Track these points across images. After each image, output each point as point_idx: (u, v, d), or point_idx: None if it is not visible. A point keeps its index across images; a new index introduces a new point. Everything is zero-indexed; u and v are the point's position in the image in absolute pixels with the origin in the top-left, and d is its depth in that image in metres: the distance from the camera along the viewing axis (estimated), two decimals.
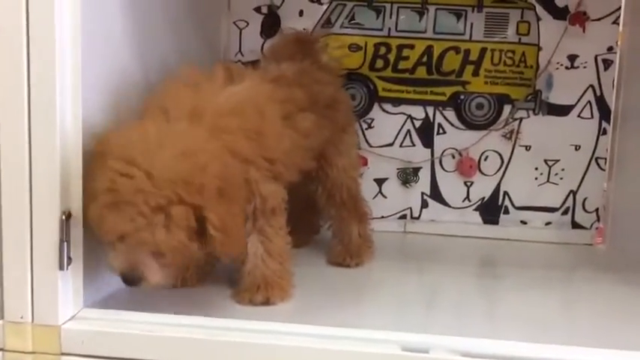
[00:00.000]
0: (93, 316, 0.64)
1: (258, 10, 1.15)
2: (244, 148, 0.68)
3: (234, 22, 1.16)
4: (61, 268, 0.62)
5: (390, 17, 1.13)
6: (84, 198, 0.63)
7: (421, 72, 1.13)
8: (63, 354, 0.62)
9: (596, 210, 1.14)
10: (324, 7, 1.14)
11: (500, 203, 1.15)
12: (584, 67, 1.10)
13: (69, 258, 0.62)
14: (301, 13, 1.14)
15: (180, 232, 0.60)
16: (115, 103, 0.73)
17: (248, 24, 1.15)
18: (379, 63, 1.13)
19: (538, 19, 1.10)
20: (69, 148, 0.62)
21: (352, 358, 0.60)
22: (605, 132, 1.12)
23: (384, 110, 1.15)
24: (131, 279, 0.62)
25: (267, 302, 0.72)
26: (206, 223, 0.61)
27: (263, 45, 1.15)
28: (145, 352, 0.62)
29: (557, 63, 1.11)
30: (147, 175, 0.58)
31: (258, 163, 0.70)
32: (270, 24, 1.15)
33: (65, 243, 0.62)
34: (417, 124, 1.15)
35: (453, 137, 1.15)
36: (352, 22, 1.14)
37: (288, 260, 0.76)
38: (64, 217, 0.61)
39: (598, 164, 1.13)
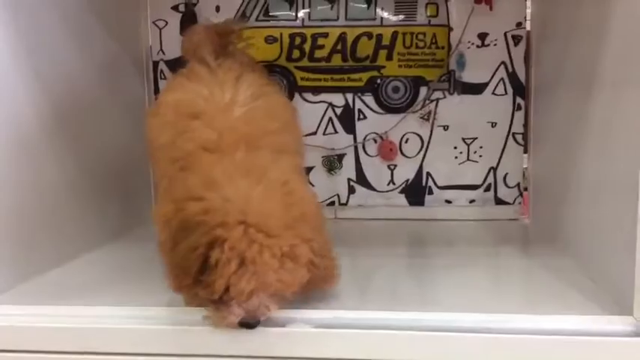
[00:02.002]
0: None
1: (175, 8, 1.17)
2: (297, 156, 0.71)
3: (153, 22, 1.17)
4: None
5: (303, 7, 1.14)
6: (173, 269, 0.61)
7: (337, 59, 1.14)
8: None
9: (518, 185, 1.15)
10: (240, 0, 1.15)
11: (424, 184, 1.17)
12: (495, 45, 1.11)
13: None
14: (218, 8, 1.16)
15: (302, 270, 0.60)
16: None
17: (167, 23, 1.17)
18: (296, 53, 1.15)
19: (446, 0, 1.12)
20: None
21: (214, 340, 0.61)
22: (519, 107, 1.13)
23: (304, 99, 1.16)
24: (255, 324, 0.60)
25: None
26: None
27: None
28: (34, 344, 0.64)
29: (468, 42, 1.11)
30: (263, 229, 0.57)
31: None
32: (188, 21, 1.16)
33: None
34: (338, 111, 1.16)
35: (373, 122, 1.16)
36: (267, 14, 1.15)
37: None
38: None
39: (515, 139, 1.14)
